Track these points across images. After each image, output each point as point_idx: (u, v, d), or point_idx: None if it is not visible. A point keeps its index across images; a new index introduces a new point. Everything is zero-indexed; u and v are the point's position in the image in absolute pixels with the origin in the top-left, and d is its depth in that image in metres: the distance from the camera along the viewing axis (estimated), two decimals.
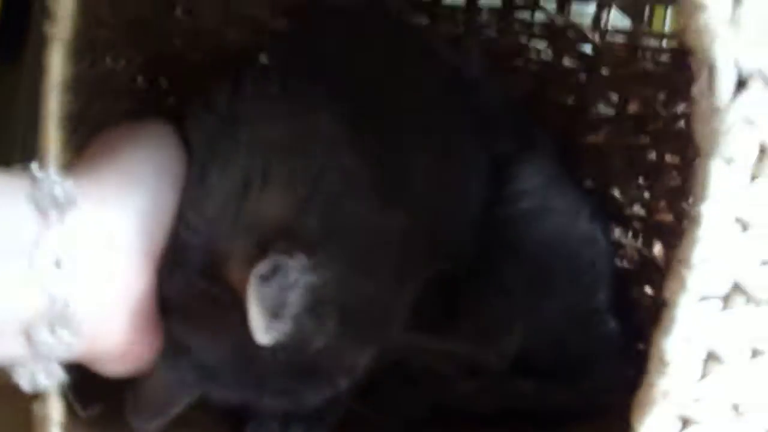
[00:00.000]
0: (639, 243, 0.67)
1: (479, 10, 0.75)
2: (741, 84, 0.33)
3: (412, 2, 0.75)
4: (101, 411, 0.46)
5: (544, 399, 0.55)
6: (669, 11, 0.74)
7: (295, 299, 0.41)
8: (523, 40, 0.74)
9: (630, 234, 0.68)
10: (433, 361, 0.53)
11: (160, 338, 0.46)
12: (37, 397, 0.43)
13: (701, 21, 0.33)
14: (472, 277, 0.55)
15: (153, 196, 0.46)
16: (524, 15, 0.74)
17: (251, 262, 0.41)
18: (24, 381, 0.42)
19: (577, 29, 0.71)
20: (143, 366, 0.46)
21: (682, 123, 0.64)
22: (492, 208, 0.57)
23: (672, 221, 0.64)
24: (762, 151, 0.35)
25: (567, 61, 0.73)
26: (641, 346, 0.61)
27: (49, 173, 0.42)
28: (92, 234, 0.43)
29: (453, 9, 0.76)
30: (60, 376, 0.43)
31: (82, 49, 0.45)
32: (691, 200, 0.60)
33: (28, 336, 0.41)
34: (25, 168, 0.42)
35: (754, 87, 0.33)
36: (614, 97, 0.71)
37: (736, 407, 0.39)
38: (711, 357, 0.37)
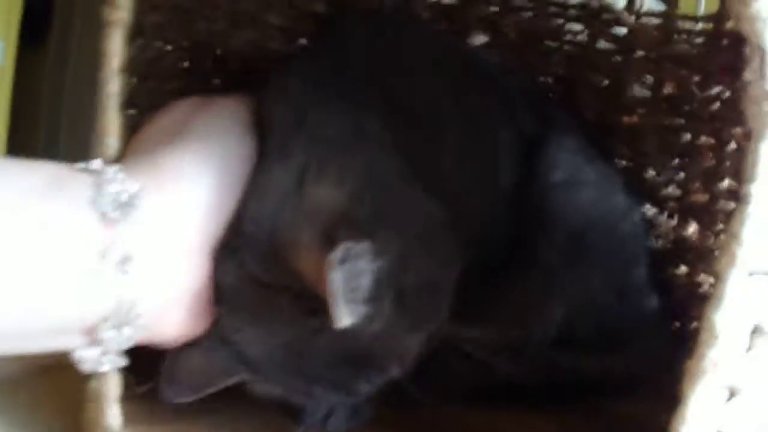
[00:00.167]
0: (674, 223, 0.68)
1: None
2: None
3: None
4: (153, 387, 0.47)
5: (582, 372, 0.55)
6: None
7: (366, 283, 0.42)
8: (559, 22, 0.74)
9: (665, 214, 0.69)
10: (474, 345, 0.53)
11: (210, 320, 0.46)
12: (89, 375, 0.43)
13: (754, 8, 0.34)
14: (509, 255, 0.55)
15: (217, 186, 0.45)
16: None
17: (320, 249, 0.42)
18: (86, 366, 0.42)
19: (612, 12, 0.71)
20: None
21: (716, 105, 0.64)
22: (524, 186, 0.57)
23: (706, 201, 0.65)
24: None
25: (602, 44, 0.73)
26: (677, 325, 0.62)
27: (110, 172, 0.41)
28: (155, 232, 0.42)
29: None
30: (121, 362, 0.43)
31: (135, 33, 0.45)
32: (730, 181, 0.61)
33: (94, 334, 0.41)
34: (87, 165, 0.42)
35: None
36: (649, 79, 0.71)
37: None
38: (757, 330, 0.38)
